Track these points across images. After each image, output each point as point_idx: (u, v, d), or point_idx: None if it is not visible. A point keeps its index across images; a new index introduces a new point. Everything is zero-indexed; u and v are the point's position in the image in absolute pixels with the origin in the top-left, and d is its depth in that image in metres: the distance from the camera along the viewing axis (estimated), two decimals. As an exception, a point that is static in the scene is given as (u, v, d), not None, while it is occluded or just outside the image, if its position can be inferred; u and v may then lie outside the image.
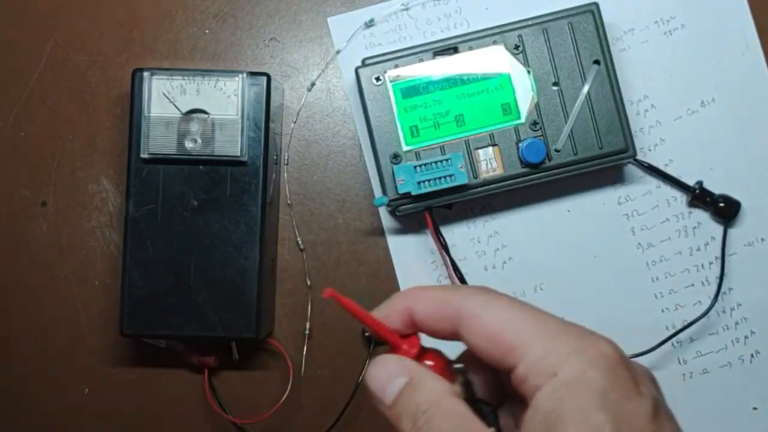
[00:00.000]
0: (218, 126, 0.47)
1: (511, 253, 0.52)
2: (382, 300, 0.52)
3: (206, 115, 0.47)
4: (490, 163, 0.48)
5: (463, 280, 0.50)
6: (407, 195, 0.47)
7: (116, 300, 0.48)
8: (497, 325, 0.27)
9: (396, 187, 0.47)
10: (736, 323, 0.52)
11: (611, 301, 0.51)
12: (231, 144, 0.47)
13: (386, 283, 0.51)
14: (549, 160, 0.48)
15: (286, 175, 0.52)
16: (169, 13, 0.53)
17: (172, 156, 0.47)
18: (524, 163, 0.48)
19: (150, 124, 0.47)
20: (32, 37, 0.53)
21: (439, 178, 0.47)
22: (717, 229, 0.52)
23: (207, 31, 0.53)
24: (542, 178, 0.48)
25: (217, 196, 0.47)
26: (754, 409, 0.52)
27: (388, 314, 0.30)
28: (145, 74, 0.47)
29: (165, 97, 0.47)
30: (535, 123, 0.48)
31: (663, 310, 0.52)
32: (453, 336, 0.29)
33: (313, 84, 0.53)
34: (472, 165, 0.48)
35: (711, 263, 0.52)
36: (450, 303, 0.28)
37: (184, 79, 0.47)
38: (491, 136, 0.48)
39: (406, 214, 0.49)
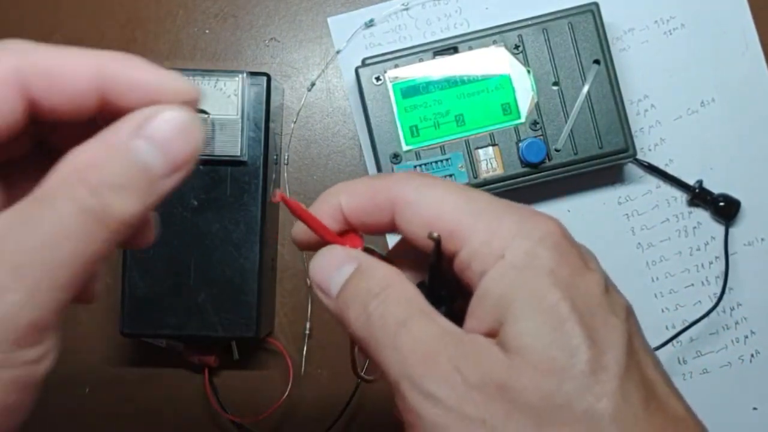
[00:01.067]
0: (218, 126, 0.47)
1: (511, 253, 0.52)
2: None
3: (206, 115, 0.47)
4: (490, 163, 0.48)
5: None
6: (407, 195, 0.47)
7: (116, 300, 0.48)
8: (434, 209, 0.24)
9: (396, 187, 0.47)
10: (736, 323, 0.52)
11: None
12: (231, 144, 0.47)
13: (386, 283, 0.51)
14: (549, 160, 0.48)
15: (286, 175, 0.52)
16: (169, 13, 0.53)
17: (173, 156, 0.47)
18: (524, 163, 0.48)
19: (150, 124, 0.47)
20: (33, 37, 0.52)
21: (439, 178, 0.47)
22: (717, 228, 0.52)
23: (207, 31, 0.53)
24: (542, 177, 0.48)
25: (217, 196, 0.47)
26: (754, 409, 0.52)
27: (318, 214, 0.26)
28: (146, 74, 0.47)
29: (165, 97, 0.47)
30: (535, 123, 0.48)
31: (663, 310, 0.52)
32: (389, 228, 0.26)
33: (313, 84, 0.53)
34: (472, 165, 0.48)
35: (711, 263, 0.52)
36: (380, 192, 0.26)
37: (184, 79, 0.47)
38: (491, 135, 0.48)
39: (406, 213, 0.49)
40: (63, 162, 0.20)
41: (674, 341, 0.51)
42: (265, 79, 0.47)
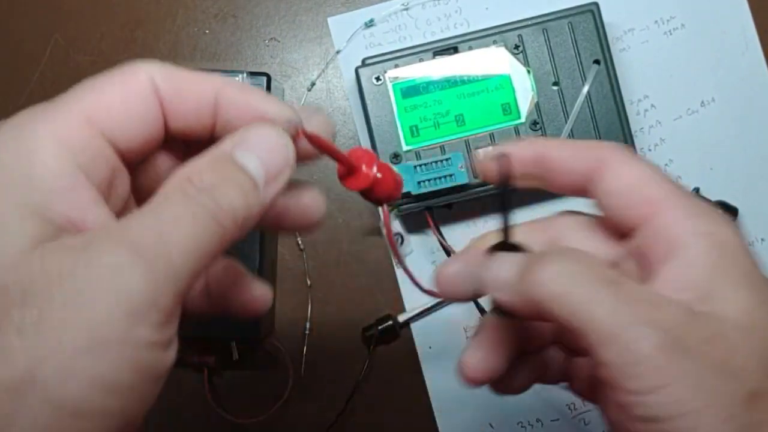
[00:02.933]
0: (218, 126, 0.47)
1: (511, 253, 0.52)
2: (382, 300, 0.52)
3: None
4: (490, 163, 0.48)
5: (463, 280, 0.50)
6: (407, 195, 0.47)
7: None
8: (639, 180, 0.26)
9: (396, 187, 0.47)
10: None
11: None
12: (231, 144, 0.47)
13: (386, 283, 0.52)
14: (549, 160, 0.48)
15: (286, 175, 0.52)
16: (169, 13, 0.53)
17: (173, 156, 0.47)
18: (524, 163, 0.48)
19: (150, 124, 0.47)
20: (33, 37, 0.53)
21: (439, 178, 0.47)
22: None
23: (207, 32, 0.53)
24: (542, 178, 0.48)
25: (217, 195, 0.47)
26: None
27: (516, 151, 0.28)
28: (146, 74, 0.47)
29: (165, 97, 0.47)
30: (535, 123, 0.48)
31: (663, 310, 0.52)
32: (575, 188, 0.27)
33: (313, 84, 0.53)
34: (472, 165, 0.48)
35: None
36: (593, 150, 0.27)
37: (184, 79, 0.47)
38: (491, 135, 0.48)
39: (406, 213, 0.49)
40: (174, 173, 0.22)
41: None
42: (265, 79, 0.47)
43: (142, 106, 0.24)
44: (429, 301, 0.51)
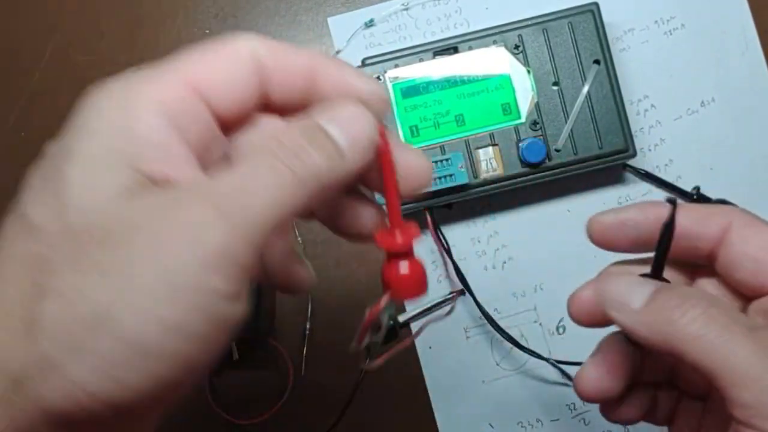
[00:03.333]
0: (218, 126, 0.47)
1: (511, 253, 0.52)
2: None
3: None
4: (490, 163, 0.48)
5: (463, 280, 0.50)
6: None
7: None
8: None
9: (396, 187, 0.47)
10: (737, 323, 0.52)
11: (611, 301, 0.51)
12: (231, 144, 0.47)
13: (386, 283, 0.51)
14: (549, 160, 0.48)
15: (286, 175, 0.52)
16: (170, 13, 0.53)
17: (173, 156, 0.47)
18: (524, 163, 0.48)
19: (150, 124, 0.47)
20: (33, 38, 0.53)
21: (439, 178, 0.47)
22: (717, 229, 0.52)
23: (208, 32, 0.53)
24: (542, 178, 0.48)
25: (217, 195, 0.47)
26: (755, 409, 0.52)
27: (642, 209, 0.29)
28: (146, 74, 0.47)
29: (165, 97, 0.47)
30: (535, 123, 0.48)
31: (663, 310, 0.52)
32: (698, 255, 0.28)
33: (313, 84, 0.53)
34: (472, 165, 0.48)
35: (711, 263, 0.52)
36: (718, 216, 0.28)
37: (184, 79, 0.47)
38: (491, 135, 0.48)
39: (405, 213, 0.49)
40: (260, 135, 0.25)
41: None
42: (265, 79, 0.47)
43: (243, 74, 0.24)
44: (429, 301, 0.51)
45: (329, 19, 0.53)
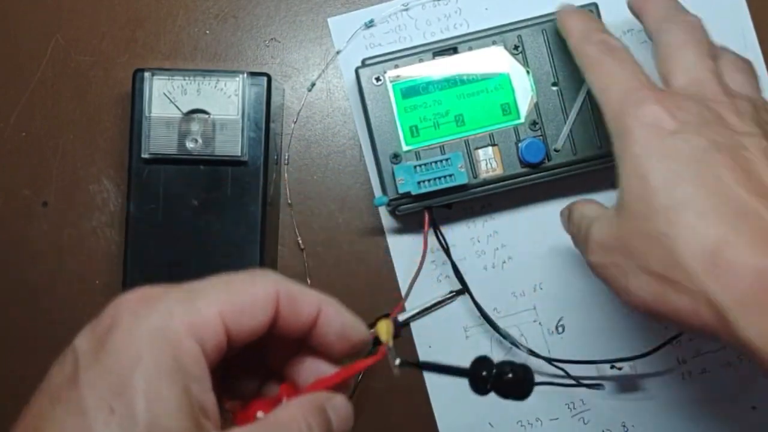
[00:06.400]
0: (219, 126, 0.47)
1: (510, 252, 0.52)
2: (382, 300, 0.52)
3: (207, 116, 0.47)
4: (489, 163, 0.48)
5: (462, 280, 0.50)
6: (407, 195, 0.47)
7: (117, 299, 0.48)
8: None
9: (396, 187, 0.47)
10: (736, 323, 0.52)
11: (611, 301, 0.51)
12: (231, 144, 0.47)
13: (386, 283, 0.52)
14: (549, 160, 0.48)
15: (286, 175, 0.52)
16: (170, 13, 0.53)
17: (173, 156, 0.47)
18: (524, 163, 0.48)
19: (151, 124, 0.47)
20: (34, 38, 0.53)
21: (439, 178, 0.47)
22: (716, 228, 0.52)
23: (208, 32, 0.53)
24: (542, 178, 0.48)
25: (217, 196, 0.47)
26: (753, 408, 0.52)
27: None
28: (146, 74, 0.47)
29: (166, 98, 0.47)
30: (534, 123, 0.48)
31: (662, 310, 0.52)
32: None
33: (313, 84, 0.53)
34: (472, 165, 0.48)
35: (710, 263, 0.52)
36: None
37: (184, 80, 0.47)
38: (491, 136, 0.48)
39: (406, 213, 0.49)
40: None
41: (674, 341, 0.51)
42: (265, 79, 0.47)
43: (265, 310, 0.28)
44: (429, 301, 0.51)
45: (329, 20, 0.53)
